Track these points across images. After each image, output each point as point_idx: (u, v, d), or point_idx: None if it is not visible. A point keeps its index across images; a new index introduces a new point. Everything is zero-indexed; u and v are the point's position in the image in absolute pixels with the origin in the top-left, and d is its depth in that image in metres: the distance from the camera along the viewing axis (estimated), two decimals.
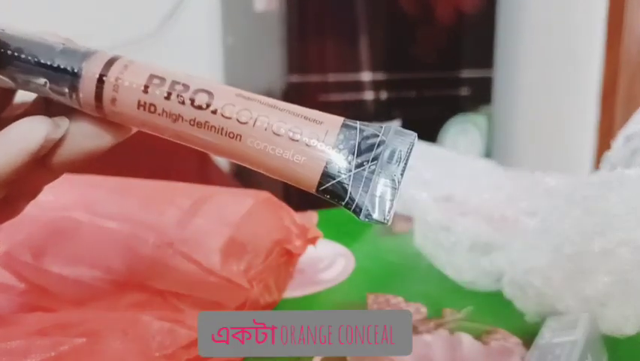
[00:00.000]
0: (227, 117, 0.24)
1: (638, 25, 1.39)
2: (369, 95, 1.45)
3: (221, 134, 0.24)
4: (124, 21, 1.52)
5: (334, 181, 0.24)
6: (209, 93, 0.24)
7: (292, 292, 0.52)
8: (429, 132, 1.48)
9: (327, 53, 1.41)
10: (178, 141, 0.25)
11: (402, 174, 0.24)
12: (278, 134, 0.24)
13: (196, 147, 0.25)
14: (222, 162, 1.59)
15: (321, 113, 0.25)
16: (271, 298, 0.47)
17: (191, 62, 1.63)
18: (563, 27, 1.57)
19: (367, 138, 0.24)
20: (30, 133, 0.24)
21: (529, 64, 1.67)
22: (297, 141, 0.24)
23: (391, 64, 1.47)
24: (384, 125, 0.25)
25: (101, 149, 0.26)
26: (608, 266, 0.43)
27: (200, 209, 0.48)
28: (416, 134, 0.24)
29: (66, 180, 0.50)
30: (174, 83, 0.24)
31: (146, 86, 0.24)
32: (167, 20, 1.58)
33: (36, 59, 0.25)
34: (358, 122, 0.25)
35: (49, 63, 0.24)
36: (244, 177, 1.56)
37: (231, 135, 0.24)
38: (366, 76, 1.44)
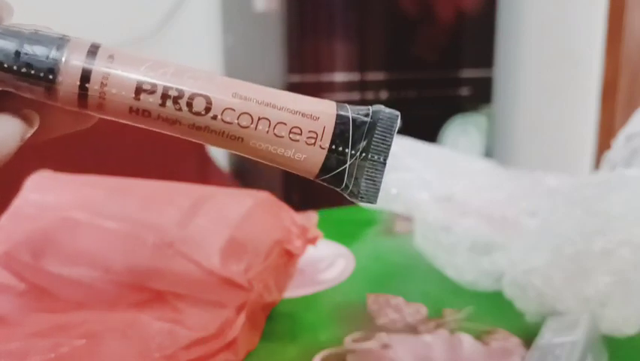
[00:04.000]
0: (227, 122, 0.25)
1: (638, 25, 1.39)
2: (369, 95, 1.45)
3: (223, 136, 0.25)
4: (124, 21, 1.52)
5: (332, 174, 0.26)
6: (206, 97, 0.24)
7: (292, 292, 0.52)
8: (429, 132, 1.48)
9: (327, 53, 1.41)
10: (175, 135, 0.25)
11: (388, 153, 0.27)
12: (279, 136, 0.25)
13: (196, 141, 0.26)
14: (222, 163, 1.59)
15: (316, 102, 0.26)
16: (271, 298, 0.47)
17: (191, 62, 1.63)
18: (563, 27, 1.57)
19: (359, 126, 0.26)
20: (4, 140, 0.23)
21: (529, 64, 1.67)
22: (298, 141, 0.25)
23: (391, 64, 1.46)
24: (372, 108, 0.27)
25: (80, 128, 0.26)
26: (608, 266, 0.43)
27: (200, 209, 0.48)
28: (399, 113, 0.27)
29: (66, 180, 0.50)
30: (166, 89, 0.24)
31: (137, 93, 0.24)
32: (167, 20, 1.58)
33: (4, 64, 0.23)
34: (349, 109, 0.27)
35: (15, 68, 0.23)
36: (244, 177, 1.56)
37: (233, 138, 0.25)
38: (366, 76, 1.44)
